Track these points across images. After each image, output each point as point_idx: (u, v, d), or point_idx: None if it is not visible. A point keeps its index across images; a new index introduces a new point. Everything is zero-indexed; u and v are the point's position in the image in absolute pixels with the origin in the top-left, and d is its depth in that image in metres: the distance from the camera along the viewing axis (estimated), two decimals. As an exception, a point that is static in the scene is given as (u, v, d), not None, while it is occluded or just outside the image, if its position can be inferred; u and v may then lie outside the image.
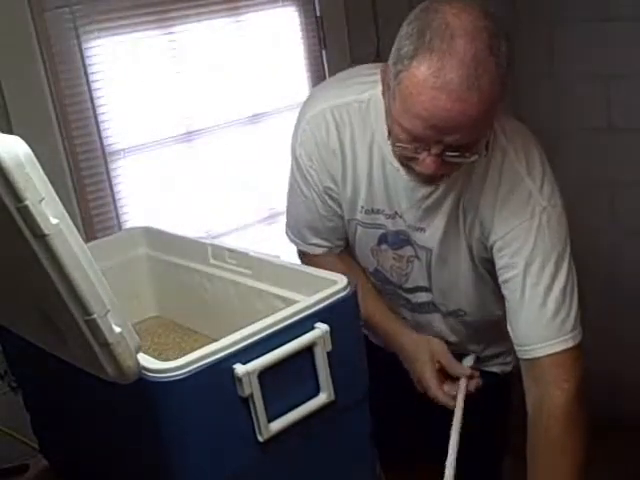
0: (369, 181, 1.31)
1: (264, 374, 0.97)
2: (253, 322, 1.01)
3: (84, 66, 1.79)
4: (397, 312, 1.44)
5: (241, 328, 1.00)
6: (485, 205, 1.25)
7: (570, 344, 1.23)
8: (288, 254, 1.45)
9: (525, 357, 1.26)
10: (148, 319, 1.49)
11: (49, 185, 0.82)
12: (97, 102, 1.83)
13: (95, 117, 1.83)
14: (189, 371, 0.93)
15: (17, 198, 0.79)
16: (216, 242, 1.38)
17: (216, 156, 2.08)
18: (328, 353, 1.04)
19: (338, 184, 1.34)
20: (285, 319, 1.02)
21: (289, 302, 1.13)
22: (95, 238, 1.72)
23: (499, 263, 1.25)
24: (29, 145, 0.81)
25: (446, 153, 1.11)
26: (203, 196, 2.07)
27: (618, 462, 2.36)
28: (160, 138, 1.97)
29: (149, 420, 0.96)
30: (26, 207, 0.79)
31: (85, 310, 0.85)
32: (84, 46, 1.78)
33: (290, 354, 1.00)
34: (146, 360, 0.93)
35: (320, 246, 1.44)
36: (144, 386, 0.93)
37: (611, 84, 2.54)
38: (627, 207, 2.61)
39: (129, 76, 1.88)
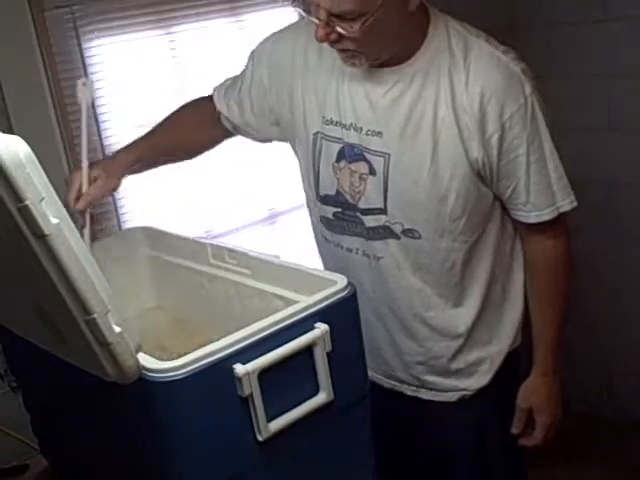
0: (335, 89, 1.38)
1: (264, 374, 0.97)
2: (253, 322, 1.01)
3: (84, 66, 1.79)
4: (353, 245, 1.44)
5: (241, 328, 1.00)
6: (468, 97, 1.29)
7: (574, 204, 1.38)
8: (288, 254, 1.45)
9: (533, 221, 1.37)
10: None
11: (49, 185, 0.82)
12: (97, 102, 1.83)
13: (95, 117, 1.83)
14: (189, 371, 0.93)
15: (17, 198, 0.79)
16: (216, 242, 1.38)
17: (216, 156, 2.08)
18: (328, 353, 1.04)
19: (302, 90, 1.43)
20: (285, 319, 1.02)
21: (289, 302, 1.13)
22: (95, 238, 1.71)
23: (499, 150, 1.31)
24: (29, 145, 0.81)
25: (332, 19, 1.22)
26: (203, 196, 2.07)
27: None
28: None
29: (149, 420, 0.96)
30: (26, 207, 0.79)
31: (85, 310, 0.85)
32: (84, 46, 1.78)
33: (290, 354, 1.00)
34: (146, 360, 0.94)
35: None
36: (144, 386, 0.93)
37: (611, 84, 2.54)
38: (626, 207, 2.61)
39: (129, 76, 1.88)
